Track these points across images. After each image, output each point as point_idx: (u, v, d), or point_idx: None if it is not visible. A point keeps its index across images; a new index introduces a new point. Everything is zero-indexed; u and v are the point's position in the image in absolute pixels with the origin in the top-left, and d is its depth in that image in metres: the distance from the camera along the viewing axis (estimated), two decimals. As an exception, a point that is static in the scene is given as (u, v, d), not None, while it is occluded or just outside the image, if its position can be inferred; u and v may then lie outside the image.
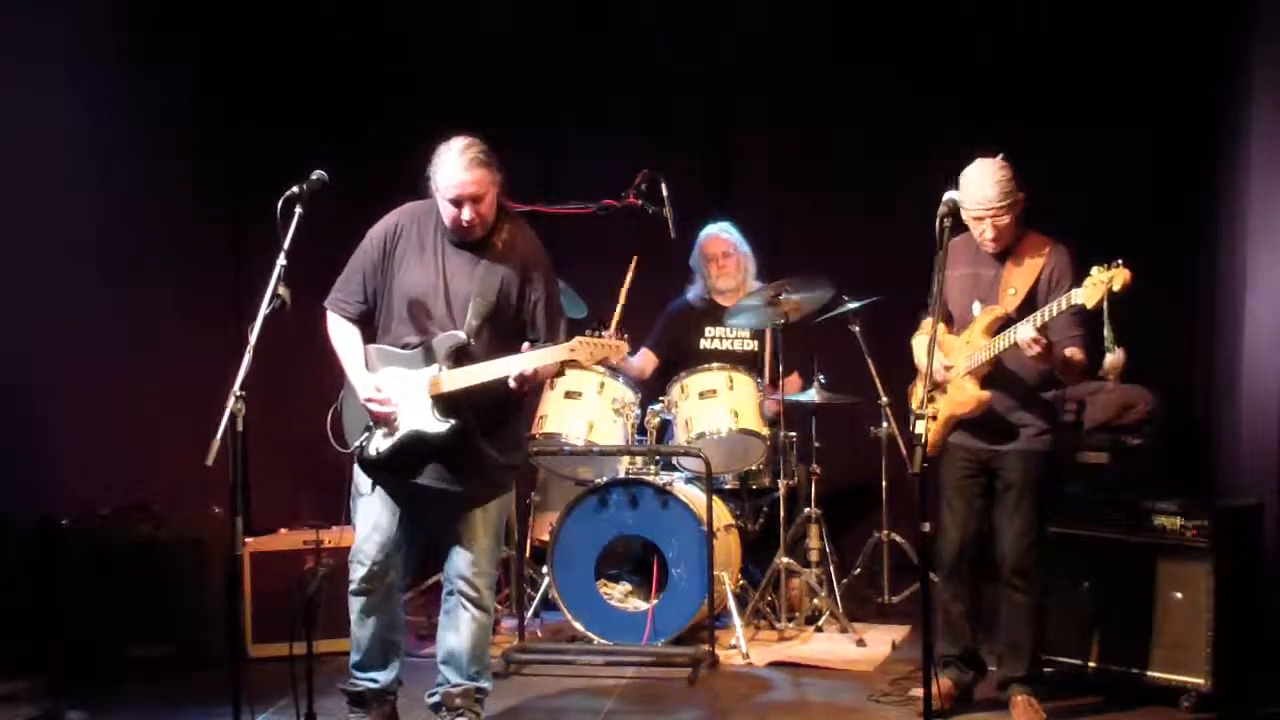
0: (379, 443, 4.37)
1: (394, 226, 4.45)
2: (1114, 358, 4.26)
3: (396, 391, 4.33)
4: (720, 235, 6.34)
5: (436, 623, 4.61)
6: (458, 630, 4.48)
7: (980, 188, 4.50)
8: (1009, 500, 4.64)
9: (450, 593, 4.50)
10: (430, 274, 4.40)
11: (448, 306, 4.38)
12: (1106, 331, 4.19)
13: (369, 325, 4.48)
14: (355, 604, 4.47)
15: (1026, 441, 4.62)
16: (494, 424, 4.43)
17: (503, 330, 4.42)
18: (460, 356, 4.34)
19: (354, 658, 4.53)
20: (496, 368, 4.32)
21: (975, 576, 4.76)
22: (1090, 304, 4.23)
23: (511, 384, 4.32)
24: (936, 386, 4.72)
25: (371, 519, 4.43)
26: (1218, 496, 5.11)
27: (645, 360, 6.42)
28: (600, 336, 4.38)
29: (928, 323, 4.85)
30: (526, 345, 4.38)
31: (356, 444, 4.40)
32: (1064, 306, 4.32)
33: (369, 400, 4.32)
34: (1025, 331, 4.38)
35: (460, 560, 4.45)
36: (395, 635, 4.55)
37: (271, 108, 6.54)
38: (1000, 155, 4.56)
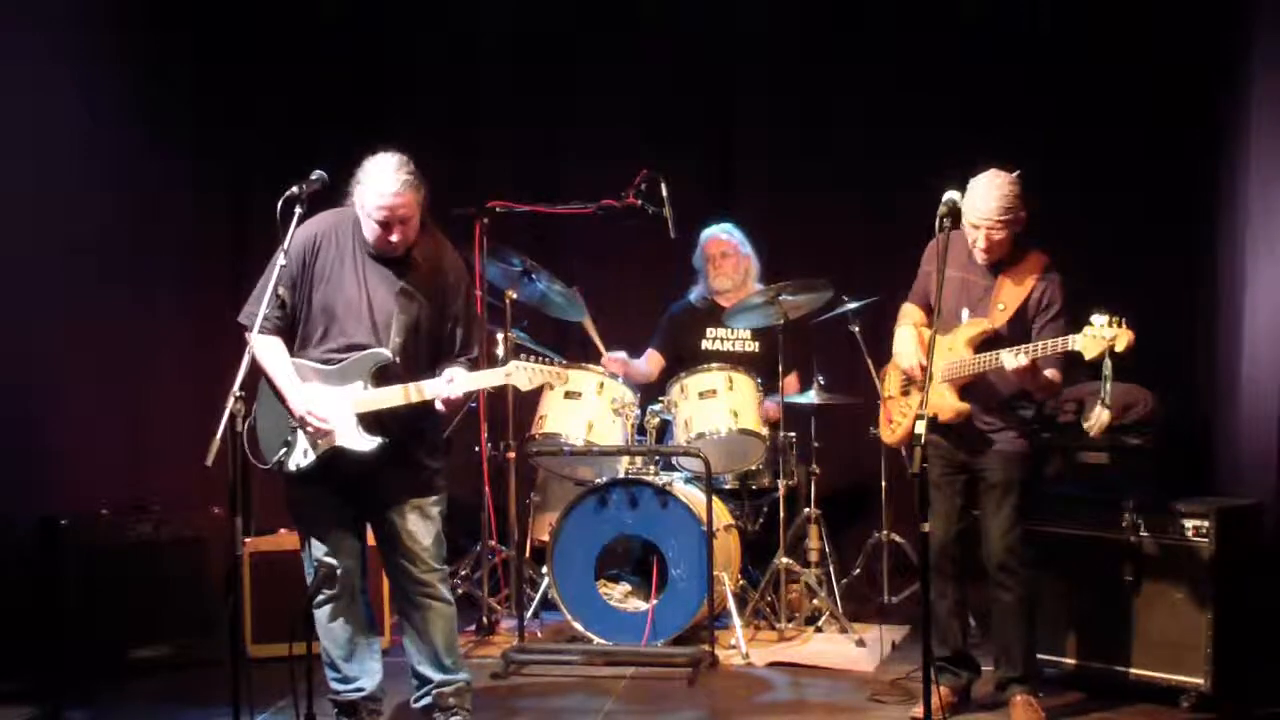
0: (298, 458, 4.34)
1: (312, 239, 4.37)
2: (1106, 416, 4.27)
3: (323, 408, 4.29)
4: (720, 236, 6.34)
5: None
6: (422, 629, 4.48)
7: (984, 199, 4.48)
8: (992, 499, 4.64)
9: (407, 596, 4.49)
10: (352, 289, 4.34)
11: (371, 321, 4.34)
12: (1108, 387, 4.19)
13: (288, 339, 4.41)
14: (320, 615, 4.44)
15: (1004, 445, 4.63)
16: (417, 432, 4.43)
17: (424, 346, 4.41)
18: (383, 374, 4.32)
19: (333, 673, 4.49)
20: (429, 388, 4.30)
21: (960, 574, 4.76)
22: (1089, 356, 4.22)
23: (439, 406, 4.31)
24: (912, 381, 4.75)
25: (319, 529, 4.42)
26: (1218, 496, 5.11)
27: (652, 363, 6.41)
28: (544, 361, 4.43)
29: (908, 308, 4.86)
30: (455, 367, 4.34)
31: (275, 459, 4.34)
32: (1058, 349, 4.31)
33: (309, 415, 4.25)
34: (1010, 360, 4.38)
35: (408, 565, 4.44)
36: (367, 637, 4.53)
37: (271, 108, 6.54)
38: (1017, 173, 4.54)
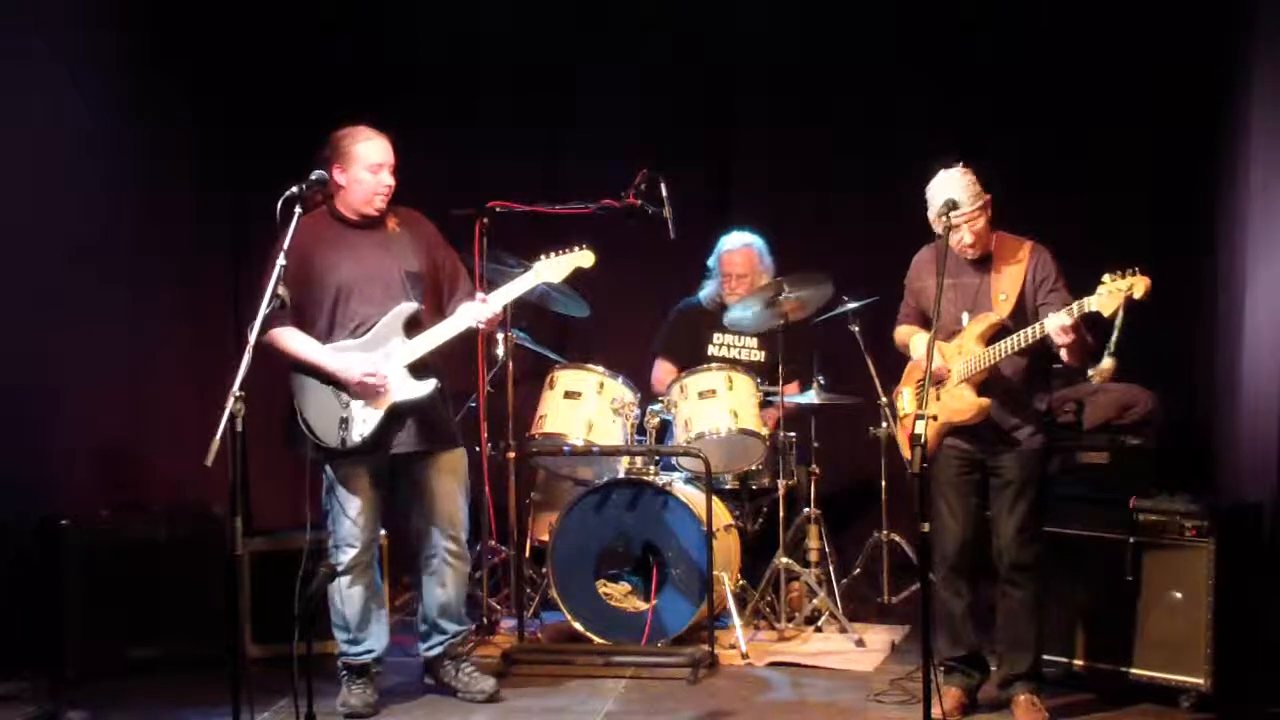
0: (360, 428, 4.56)
1: (296, 238, 4.43)
2: (1110, 364, 4.27)
3: (372, 365, 4.56)
4: (747, 250, 6.27)
5: None
6: (445, 585, 4.83)
7: (953, 194, 4.51)
8: (1006, 497, 4.64)
9: (433, 554, 4.79)
10: (351, 265, 4.62)
11: (382, 285, 4.62)
12: (1116, 336, 4.20)
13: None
14: (341, 583, 4.69)
15: (1022, 443, 4.63)
16: (443, 379, 4.75)
17: (429, 293, 4.71)
18: (412, 324, 4.61)
19: (346, 636, 4.77)
20: (465, 315, 4.62)
21: (973, 574, 4.76)
22: (1107, 312, 4.24)
23: (482, 327, 4.66)
24: (933, 385, 4.75)
25: (355, 504, 4.66)
26: (1218, 496, 5.11)
27: (665, 371, 6.34)
28: (561, 253, 4.80)
29: (905, 329, 4.87)
30: (480, 298, 4.69)
31: (339, 437, 4.55)
32: (1081, 311, 4.31)
33: (364, 376, 4.50)
34: (1055, 321, 4.35)
35: (442, 521, 4.77)
36: (378, 601, 4.84)
37: (271, 108, 6.54)
38: (960, 164, 4.60)
